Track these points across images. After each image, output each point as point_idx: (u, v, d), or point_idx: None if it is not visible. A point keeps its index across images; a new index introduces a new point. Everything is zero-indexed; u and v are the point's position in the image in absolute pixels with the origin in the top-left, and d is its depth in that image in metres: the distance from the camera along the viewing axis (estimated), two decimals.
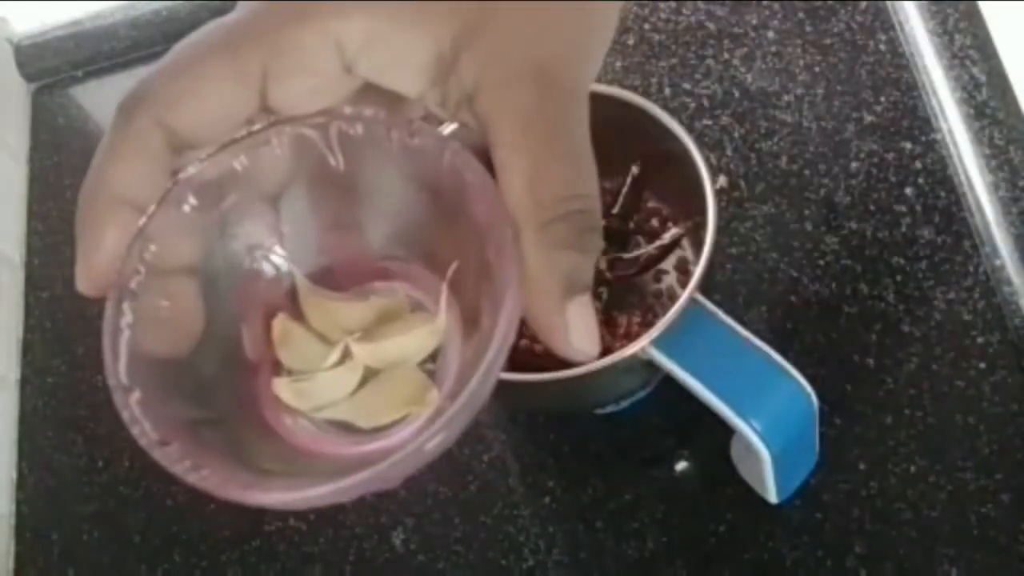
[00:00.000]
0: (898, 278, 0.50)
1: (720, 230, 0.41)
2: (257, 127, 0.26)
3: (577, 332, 0.26)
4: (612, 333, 0.45)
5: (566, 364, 0.43)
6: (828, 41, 0.57)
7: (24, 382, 0.60)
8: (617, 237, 0.47)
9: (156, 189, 0.25)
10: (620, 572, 0.47)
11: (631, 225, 0.48)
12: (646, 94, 0.54)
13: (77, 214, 0.26)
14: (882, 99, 0.55)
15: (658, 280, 0.47)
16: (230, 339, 0.28)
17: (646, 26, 0.60)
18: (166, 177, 0.26)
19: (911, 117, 0.54)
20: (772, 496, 0.44)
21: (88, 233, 0.26)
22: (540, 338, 0.26)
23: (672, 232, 0.45)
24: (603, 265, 0.45)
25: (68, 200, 0.65)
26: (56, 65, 0.70)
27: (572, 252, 0.25)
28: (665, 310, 0.40)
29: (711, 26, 0.59)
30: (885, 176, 0.53)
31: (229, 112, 0.25)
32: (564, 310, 0.25)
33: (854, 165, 0.53)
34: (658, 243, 0.45)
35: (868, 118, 0.54)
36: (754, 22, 0.59)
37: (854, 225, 0.52)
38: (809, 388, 0.40)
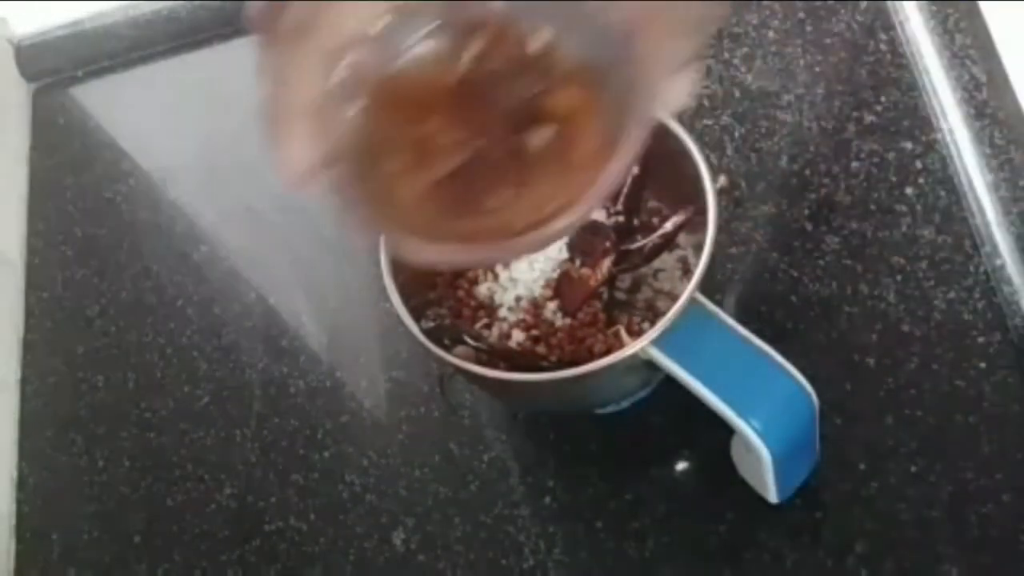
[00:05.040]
0: (898, 278, 0.50)
1: (720, 230, 0.41)
2: None
3: None
4: (612, 333, 0.45)
5: (566, 364, 0.43)
6: (828, 41, 0.57)
7: (24, 382, 0.60)
8: (620, 235, 0.47)
9: (322, 88, 0.29)
10: (620, 572, 0.47)
11: (635, 222, 0.48)
12: None
13: (265, 132, 0.29)
14: (882, 99, 0.55)
15: (658, 280, 0.47)
16: None
17: None
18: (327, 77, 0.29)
19: (911, 117, 0.54)
20: (772, 496, 0.44)
21: (280, 144, 0.29)
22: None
23: (674, 220, 0.45)
24: (608, 263, 0.45)
25: (68, 200, 0.65)
26: (56, 65, 0.70)
27: None
28: (665, 310, 0.40)
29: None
30: (885, 176, 0.53)
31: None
32: None
33: (854, 165, 0.53)
34: (661, 231, 0.45)
35: (868, 118, 0.54)
36: (754, 22, 0.59)
37: (854, 225, 0.52)
38: (809, 388, 0.40)
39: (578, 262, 0.46)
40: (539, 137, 0.30)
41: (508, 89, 0.30)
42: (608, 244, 0.45)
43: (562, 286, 0.46)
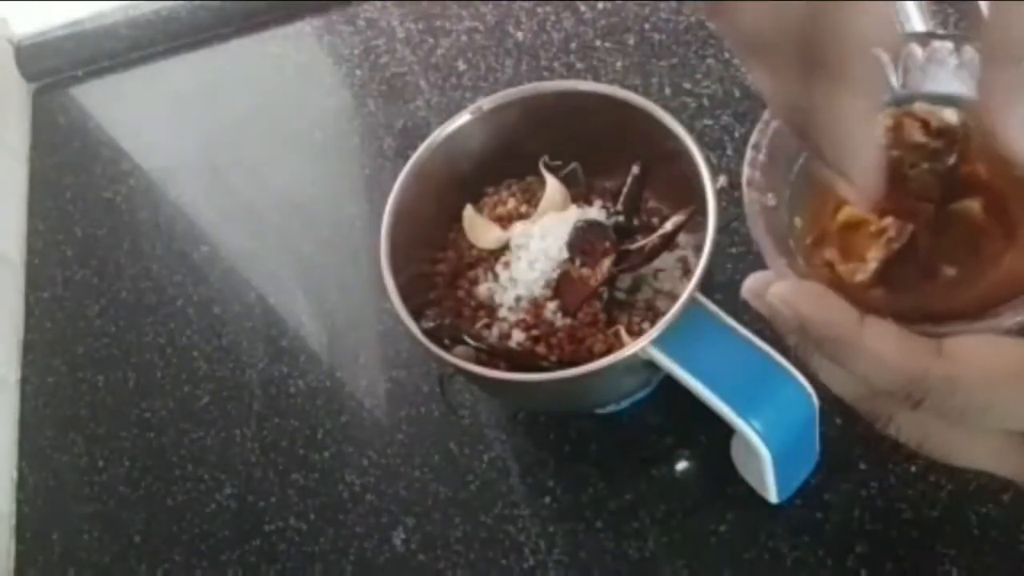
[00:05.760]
0: None
1: (720, 230, 0.41)
2: None
3: None
4: (612, 333, 0.45)
5: (566, 364, 0.43)
6: None
7: (24, 382, 0.60)
8: (620, 235, 0.47)
9: None
10: (620, 572, 0.47)
11: (635, 222, 0.48)
12: (647, 94, 0.54)
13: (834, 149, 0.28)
14: None
15: (658, 280, 0.47)
16: None
17: (646, 26, 0.60)
18: None
19: None
20: (773, 496, 0.44)
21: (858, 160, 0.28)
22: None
23: (674, 220, 0.45)
24: (608, 263, 0.45)
25: (68, 200, 0.65)
26: (56, 65, 0.71)
27: None
28: (665, 310, 0.40)
29: (712, 26, 0.59)
30: None
31: None
32: None
33: None
34: (661, 232, 0.45)
35: None
36: None
37: None
38: (810, 388, 0.40)
39: (578, 262, 0.46)
40: (966, 207, 0.30)
41: (920, 169, 0.30)
42: (608, 244, 0.45)
43: (562, 286, 0.46)
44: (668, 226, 0.45)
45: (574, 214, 0.47)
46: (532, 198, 0.49)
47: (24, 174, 0.67)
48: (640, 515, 0.47)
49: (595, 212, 0.48)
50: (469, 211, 0.49)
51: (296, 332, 0.57)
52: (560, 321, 0.45)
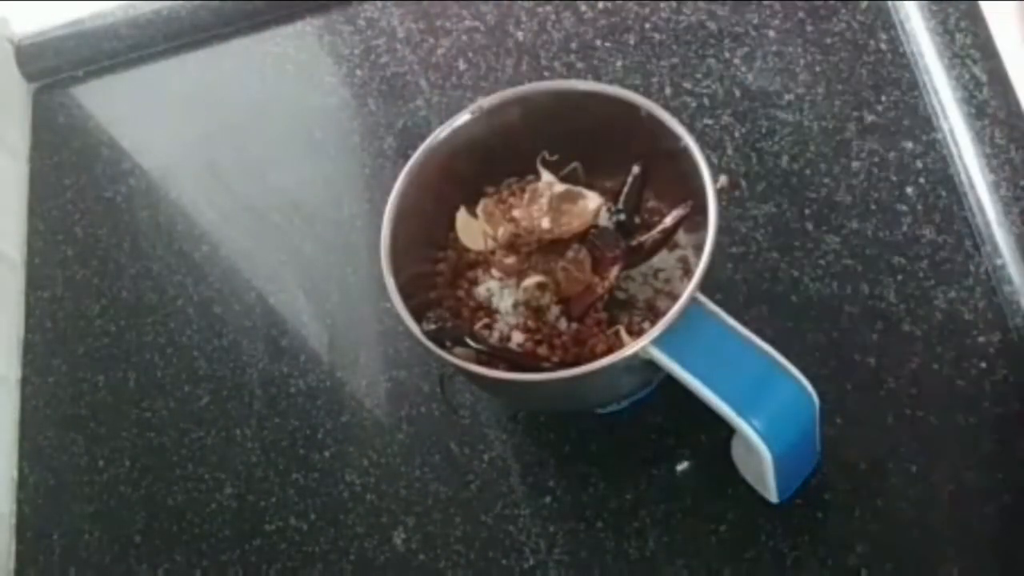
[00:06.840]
0: (899, 278, 0.50)
1: (721, 229, 0.41)
2: None
3: None
4: (612, 333, 0.45)
5: (566, 364, 0.43)
6: (829, 41, 0.57)
7: (24, 382, 0.60)
8: (622, 234, 0.47)
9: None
10: (621, 571, 0.47)
11: (636, 220, 0.47)
12: (647, 94, 0.54)
13: None
14: (883, 98, 0.55)
15: (658, 280, 0.47)
16: None
17: (647, 26, 0.60)
18: None
19: (912, 117, 0.54)
20: (773, 495, 0.44)
21: None
22: None
23: (674, 214, 0.45)
24: (616, 271, 0.45)
25: (68, 200, 0.65)
26: (57, 65, 0.70)
27: None
28: (665, 310, 0.40)
29: (712, 26, 0.59)
30: (886, 175, 0.53)
31: None
32: None
33: (855, 164, 0.53)
34: (661, 227, 0.45)
35: (869, 117, 0.54)
36: (755, 22, 0.59)
37: (855, 225, 0.52)
38: (810, 388, 0.40)
39: (573, 253, 0.45)
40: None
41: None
42: (618, 252, 0.45)
43: (564, 287, 0.46)
44: (668, 221, 0.45)
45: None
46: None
47: (24, 174, 0.67)
48: (640, 515, 0.47)
49: (603, 217, 0.47)
50: (462, 213, 0.49)
51: (296, 332, 0.57)
52: (563, 324, 0.45)
